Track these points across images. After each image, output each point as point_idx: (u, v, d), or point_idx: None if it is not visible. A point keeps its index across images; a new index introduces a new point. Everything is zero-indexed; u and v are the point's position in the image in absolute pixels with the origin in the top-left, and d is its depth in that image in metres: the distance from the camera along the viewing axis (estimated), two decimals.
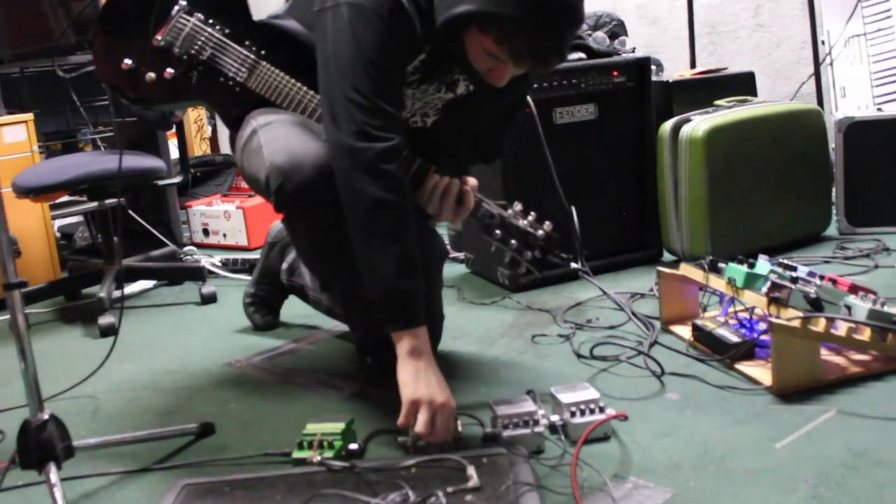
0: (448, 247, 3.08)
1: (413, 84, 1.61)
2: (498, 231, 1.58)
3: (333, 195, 1.50)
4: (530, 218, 1.59)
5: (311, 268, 1.89)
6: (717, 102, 2.73)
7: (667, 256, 2.71)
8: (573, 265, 1.66)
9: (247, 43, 1.72)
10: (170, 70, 1.71)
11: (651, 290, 2.33)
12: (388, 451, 1.49)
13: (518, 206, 1.60)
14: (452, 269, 2.84)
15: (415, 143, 1.59)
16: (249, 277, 2.41)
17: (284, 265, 2.24)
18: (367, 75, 1.44)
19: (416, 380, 1.42)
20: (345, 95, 1.45)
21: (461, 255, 2.92)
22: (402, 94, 1.54)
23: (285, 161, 1.56)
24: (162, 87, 1.71)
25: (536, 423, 1.45)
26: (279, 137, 1.62)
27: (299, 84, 1.67)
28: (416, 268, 1.46)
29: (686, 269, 1.96)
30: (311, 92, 1.65)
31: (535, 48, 1.40)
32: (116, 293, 2.54)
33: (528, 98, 2.41)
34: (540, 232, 1.58)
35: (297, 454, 1.44)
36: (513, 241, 1.58)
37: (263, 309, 2.33)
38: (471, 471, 1.28)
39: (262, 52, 1.71)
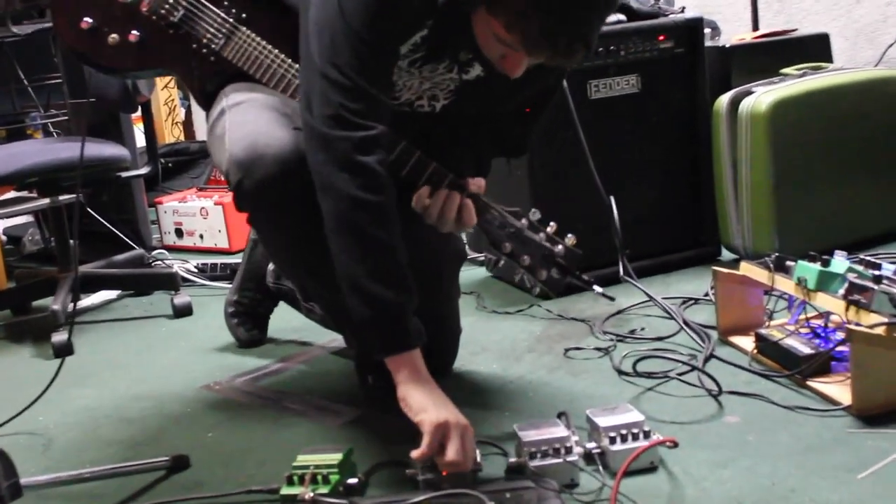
0: (465, 247, 3.10)
1: (416, 63, 1.62)
2: (508, 244, 1.58)
3: (303, 192, 1.51)
4: (549, 230, 1.59)
5: (287, 276, 1.91)
6: (785, 71, 2.72)
7: (725, 255, 2.70)
8: (597, 289, 1.65)
9: (226, 4, 1.73)
10: (135, 32, 1.72)
11: (706, 294, 2.33)
12: (393, 486, 1.50)
13: (535, 215, 1.60)
14: (471, 274, 2.84)
15: (421, 132, 1.60)
16: (230, 285, 2.44)
17: (271, 266, 2.26)
18: (350, 49, 1.43)
19: (432, 402, 1.44)
20: (321, 71, 1.45)
21: (481, 256, 2.93)
22: (390, 76, 1.54)
23: (245, 153, 1.57)
24: (125, 52, 1.73)
25: (569, 451, 1.45)
26: (245, 122, 1.63)
27: (282, 56, 1.68)
28: (406, 279, 1.47)
29: (748, 269, 1.96)
30: (295, 66, 1.66)
31: (551, 35, 1.33)
32: (72, 306, 2.56)
33: None
34: (559, 248, 1.58)
35: (286, 490, 1.44)
36: (525, 257, 1.58)
37: (249, 321, 2.36)
38: None
39: (243, 15, 1.73)
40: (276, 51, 1.68)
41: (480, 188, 1.60)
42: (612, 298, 1.67)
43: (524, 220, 1.59)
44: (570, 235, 1.59)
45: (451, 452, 1.39)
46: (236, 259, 2.99)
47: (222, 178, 3.88)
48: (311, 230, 1.53)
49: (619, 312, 2.31)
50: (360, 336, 1.52)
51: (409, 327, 1.47)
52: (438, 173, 1.57)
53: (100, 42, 1.74)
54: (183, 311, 2.71)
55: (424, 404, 1.43)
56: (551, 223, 1.59)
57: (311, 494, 1.39)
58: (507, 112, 1.77)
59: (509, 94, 1.71)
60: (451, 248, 1.86)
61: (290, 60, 1.66)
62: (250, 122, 1.63)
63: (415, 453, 1.40)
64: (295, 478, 1.45)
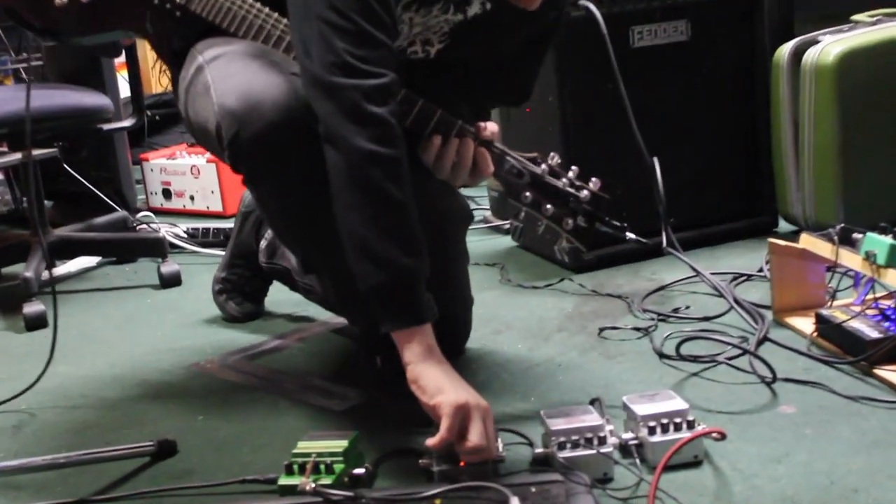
0: (487, 211, 3.09)
1: (411, 6, 1.61)
2: (528, 193, 1.58)
3: (307, 143, 1.51)
4: (571, 174, 1.59)
5: (288, 245, 1.91)
6: (856, 17, 2.69)
7: (783, 226, 2.69)
8: (630, 235, 1.64)
9: None
10: None
11: (760, 270, 2.32)
12: (404, 477, 1.50)
13: (555, 159, 1.60)
14: (495, 243, 2.84)
15: (415, 80, 1.59)
16: (223, 253, 2.45)
17: (263, 243, 2.27)
18: None
19: (450, 382, 1.44)
20: (320, 16, 1.45)
21: (505, 223, 2.92)
22: (395, 20, 1.54)
23: (240, 103, 1.57)
24: (76, 14, 1.71)
25: (603, 441, 1.45)
26: (231, 73, 1.63)
27: (258, 5, 1.67)
28: (420, 244, 1.48)
29: (809, 242, 1.95)
30: (275, 15, 1.66)
31: None
32: (47, 273, 2.57)
33: (597, 15, 2.40)
34: (584, 193, 1.58)
35: (284, 481, 1.45)
36: (547, 206, 1.58)
37: (238, 296, 2.37)
38: (515, 503, 1.29)
39: None
40: (251, 0, 1.67)
41: (494, 134, 1.61)
42: (645, 242, 1.66)
43: (544, 166, 1.59)
44: (594, 179, 1.59)
45: (475, 436, 1.39)
46: (231, 223, 2.99)
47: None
48: (318, 187, 1.53)
49: (661, 289, 2.30)
50: (366, 308, 1.52)
51: (423, 298, 1.48)
52: (446, 121, 1.57)
53: (43, 3, 1.70)
54: (171, 281, 2.73)
55: (441, 384, 1.43)
56: (573, 167, 1.59)
57: (313, 485, 1.39)
58: (506, 55, 1.77)
59: (509, 33, 1.71)
60: (455, 204, 1.87)
61: (266, 9, 1.65)
62: (237, 72, 1.63)
63: (431, 441, 1.41)
64: (295, 466, 1.46)
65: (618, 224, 1.61)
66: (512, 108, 1.91)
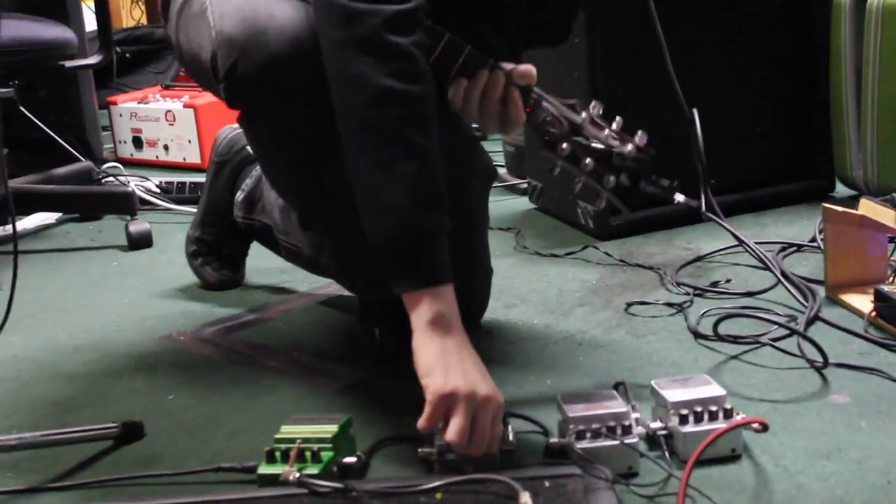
0: (503, 169, 3.09)
1: None
2: (565, 145, 1.57)
3: (316, 80, 1.49)
4: (615, 126, 1.59)
5: (284, 195, 1.90)
6: None
7: (840, 190, 2.70)
8: (679, 197, 1.64)
9: None
10: None
11: (812, 239, 2.32)
12: (402, 467, 1.51)
13: (597, 108, 1.59)
14: (509, 205, 2.84)
15: (441, 10, 1.58)
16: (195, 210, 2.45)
17: (239, 195, 2.26)
18: None
19: (444, 363, 1.43)
20: None
21: (523, 182, 2.92)
22: None
23: (240, 29, 1.56)
24: None
25: (627, 431, 1.45)
26: None
27: None
28: (441, 196, 1.47)
29: (869, 208, 1.94)
30: None
31: None
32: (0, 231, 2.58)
33: None
34: (628, 147, 1.57)
35: (264, 469, 1.45)
36: (587, 161, 1.58)
37: (215, 260, 2.37)
38: (525, 499, 1.29)
39: None
40: None
41: (530, 75, 1.59)
42: (695, 206, 1.66)
43: (584, 115, 1.59)
44: (640, 132, 1.59)
45: (451, 431, 1.38)
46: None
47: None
48: (324, 132, 1.52)
49: (698, 259, 2.31)
50: (370, 270, 1.52)
51: (439, 257, 1.46)
52: (475, 59, 1.56)
53: None
54: (140, 242, 2.73)
55: (432, 364, 1.42)
56: (617, 118, 1.59)
57: (297, 475, 1.39)
58: None
59: None
60: (481, 161, 1.87)
61: None
62: None
63: (419, 423, 1.41)
64: (277, 453, 1.46)
65: (665, 183, 1.61)
66: (549, 46, 1.89)
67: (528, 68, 1.60)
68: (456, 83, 1.57)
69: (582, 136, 1.58)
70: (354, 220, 1.50)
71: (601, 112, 1.59)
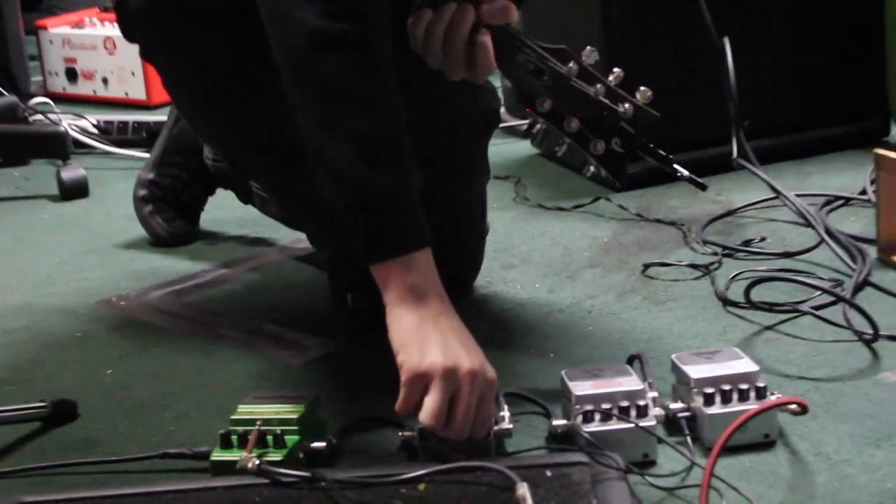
0: (501, 108, 3.07)
1: None
2: (547, 100, 1.56)
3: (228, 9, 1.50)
4: (611, 79, 1.57)
5: (211, 144, 1.89)
6: None
7: (895, 133, 2.68)
8: (682, 171, 1.63)
9: None
10: None
11: (863, 191, 2.31)
12: (379, 454, 1.51)
13: (591, 56, 1.56)
14: (508, 149, 2.83)
15: None
16: (147, 155, 2.43)
17: None
18: None
19: (420, 336, 1.42)
20: None
21: (523, 123, 2.90)
22: None
23: None
24: None
25: (643, 412, 1.45)
26: None
27: None
28: (400, 149, 1.46)
29: None
30: None
31: None
32: None
33: None
34: (625, 106, 1.56)
35: (218, 455, 1.45)
36: (573, 121, 1.57)
37: (169, 209, 2.36)
38: (523, 491, 1.28)
39: None
40: None
41: (506, 13, 1.56)
42: (703, 186, 1.65)
43: (573, 65, 1.56)
44: (642, 88, 1.57)
45: (426, 411, 1.39)
46: (158, 116, 2.98)
47: None
48: (248, 63, 1.53)
49: (728, 214, 2.30)
50: (334, 234, 1.51)
51: (407, 220, 1.46)
52: None
53: None
54: (74, 191, 2.72)
55: (406, 339, 1.42)
56: (615, 69, 1.56)
57: (257, 462, 1.39)
58: None
59: None
60: (477, 104, 1.85)
61: None
62: None
63: (397, 406, 1.41)
64: (233, 437, 1.46)
65: (663, 154, 1.59)
66: None
67: (505, 4, 1.56)
68: (418, 15, 1.54)
69: (568, 90, 1.56)
70: (302, 173, 1.50)
71: (596, 59, 1.55)
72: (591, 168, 1.60)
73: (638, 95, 1.56)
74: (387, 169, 1.44)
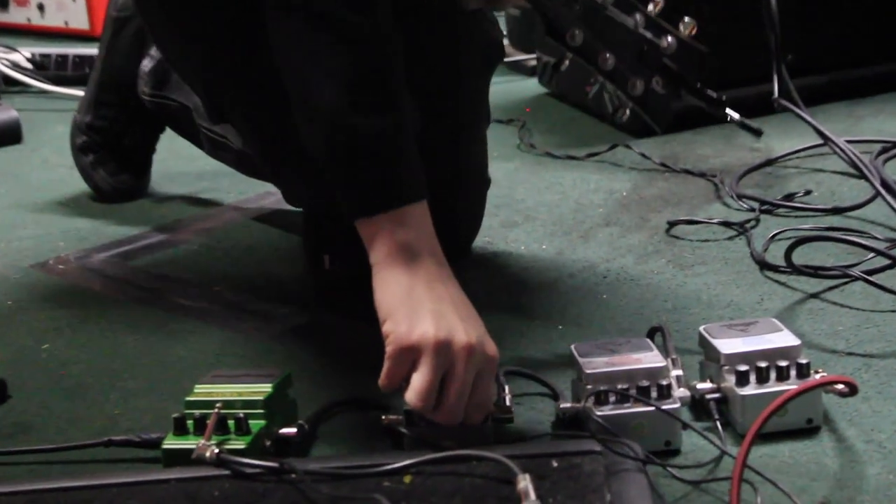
0: (504, 42, 3.07)
1: None
2: (578, 32, 1.56)
3: None
4: (651, 8, 1.57)
5: (185, 76, 1.89)
6: None
7: None
8: (732, 115, 1.62)
9: None
10: None
11: None
12: (358, 441, 1.52)
13: None
14: (513, 88, 2.83)
15: None
16: (83, 94, 2.44)
17: (146, 64, 2.26)
18: None
19: (410, 303, 1.42)
20: None
21: (531, 57, 2.90)
22: None
23: None
24: None
25: (666, 393, 1.45)
26: None
27: None
28: (393, 88, 1.47)
29: None
30: None
31: None
32: None
33: None
34: (668, 40, 1.55)
35: (171, 443, 1.45)
36: (607, 56, 1.57)
37: (110, 159, 2.37)
38: (525, 484, 1.28)
39: None
40: None
41: None
42: (758, 132, 1.65)
43: None
44: (687, 19, 1.57)
45: (410, 388, 1.39)
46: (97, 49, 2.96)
47: None
48: None
49: (767, 163, 2.31)
50: (315, 183, 1.50)
51: (401, 169, 1.46)
52: None
53: None
54: (5, 136, 2.73)
55: (394, 305, 1.42)
56: None
57: (216, 451, 1.39)
58: None
59: None
60: (478, 35, 1.86)
61: None
62: None
63: (379, 381, 1.41)
64: (189, 422, 1.46)
65: (712, 95, 1.59)
66: None
67: None
68: None
69: (603, 21, 1.55)
70: (282, 110, 1.50)
71: None
72: (628, 112, 1.60)
73: (682, 27, 1.56)
74: (379, 111, 1.45)
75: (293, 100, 1.50)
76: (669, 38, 1.55)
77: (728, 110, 1.61)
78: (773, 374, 1.47)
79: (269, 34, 1.50)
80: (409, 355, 1.39)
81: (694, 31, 1.57)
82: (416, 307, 1.42)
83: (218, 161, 2.16)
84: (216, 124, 1.99)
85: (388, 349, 1.40)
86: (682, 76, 1.56)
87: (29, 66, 3.08)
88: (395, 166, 1.46)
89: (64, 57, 3.06)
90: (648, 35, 1.56)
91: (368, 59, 1.45)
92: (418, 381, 1.39)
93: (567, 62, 1.61)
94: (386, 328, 1.41)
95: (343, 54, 1.44)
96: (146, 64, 2.24)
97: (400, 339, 1.40)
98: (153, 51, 2.23)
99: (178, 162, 2.35)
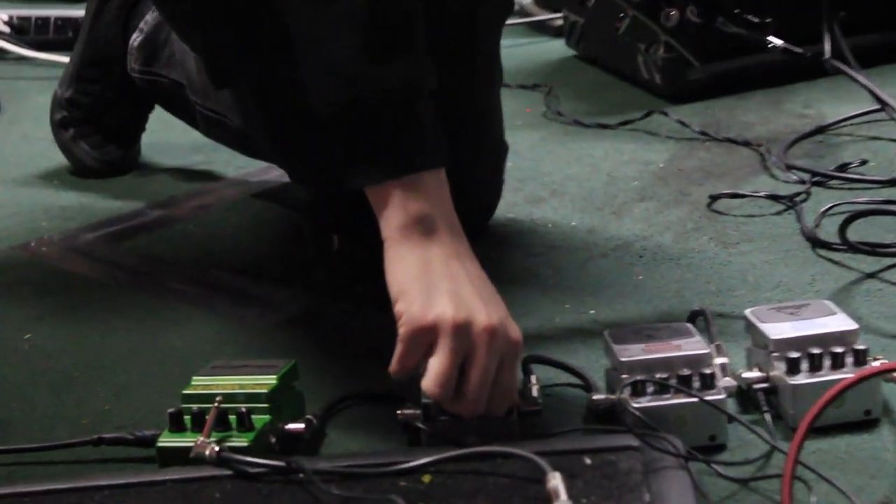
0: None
1: None
2: None
3: None
4: None
5: (187, 39, 1.89)
6: None
7: None
8: (774, 41, 1.62)
9: None
10: None
11: None
12: (372, 437, 1.52)
13: None
14: (536, 50, 2.83)
15: None
16: (66, 60, 2.44)
17: (136, 38, 2.26)
18: None
19: (426, 280, 1.42)
20: None
21: (556, 16, 2.90)
22: None
23: None
24: None
25: (709, 382, 1.45)
26: None
27: None
28: (412, 38, 1.46)
29: None
30: None
31: None
32: None
33: None
34: None
35: (167, 440, 1.45)
36: None
37: (96, 133, 2.38)
38: (555, 483, 1.28)
39: None
40: None
41: None
42: (799, 52, 1.64)
43: None
44: None
45: (428, 375, 1.38)
46: (82, 11, 2.96)
47: None
48: None
49: (818, 131, 2.31)
50: (321, 151, 1.50)
51: (417, 131, 1.46)
52: None
53: None
54: None
55: (407, 283, 1.42)
56: None
57: (216, 448, 1.39)
58: None
59: None
60: None
61: None
62: None
63: (390, 367, 1.41)
64: (186, 417, 1.46)
65: (755, 20, 1.59)
66: None
67: None
68: None
69: None
70: (290, 66, 1.50)
71: None
72: (662, 45, 1.59)
73: None
74: (393, 63, 1.45)
75: (299, 50, 1.49)
76: None
77: (772, 37, 1.61)
78: (827, 362, 1.46)
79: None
80: (425, 338, 1.39)
81: None
82: (432, 285, 1.41)
83: (214, 141, 2.16)
84: (219, 89, 1.99)
85: (401, 331, 1.40)
86: (719, 2, 1.56)
87: (6, 29, 3.08)
88: (410, 126, 1.46)
89: (45, 20, 3.06)
90: None
91: (382, 3, 1.45)
92: (436, 366, 1.38)
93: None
94: (398, 308, 1.41)
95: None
96: (135, 38, 2.25)
97: (414, 319, 1.39)
98: (142, 23, 2.23)
99: (170, 133, 2.35)
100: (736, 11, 1.57)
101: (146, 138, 2.39)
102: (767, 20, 1.58)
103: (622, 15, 1.55)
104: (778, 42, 1.60)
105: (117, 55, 2.28)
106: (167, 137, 2.37)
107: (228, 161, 2.32)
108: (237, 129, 2.00)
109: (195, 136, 2.24)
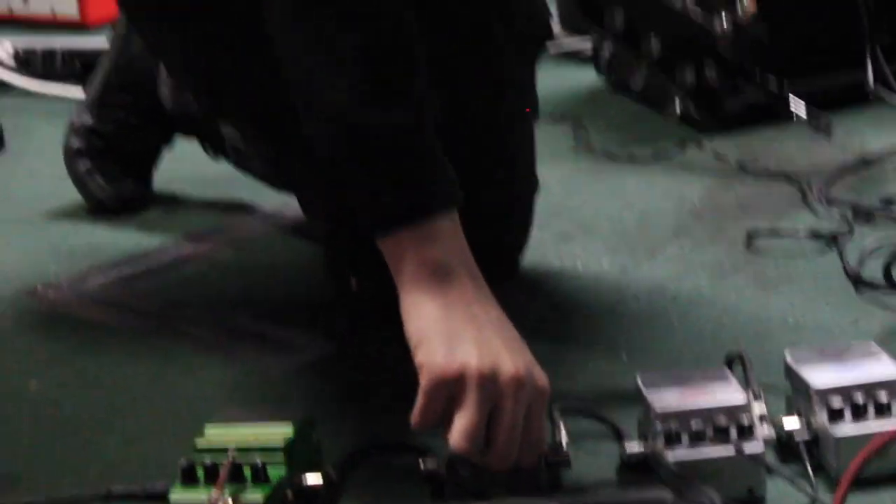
0: (552, 22, 3.07)
1: None
2: (620, 13, 1.57)
3: None
4: None
5: (185, 83, 1.91)
6: None
7: None
8: (798, 109, 1.62)
9: None
10: None
11: None
12: (392, 491, 1.51)
13: None
14: (566, 79, 2.83)
15: None
16: (83, 92, 2.45)
17: None
18: None
19: (446, 328, 1.42)
20: None
21: (586, 46, 2.90)
22: None
23: None
24: None
25: (748, 432, 1.45)
26: None
27: None
28: (412, 80, 1.46)
29: None
30: None
31: None
32: None
33: None
34: (720, 24, 1.57)
35: (179, 495, 1.46)
36: (654, 42, 1.56)
37: (112, 164, 2.37)
38: None
39: None
40: None
41: None
42: (828, 128, 1.64)
43: None
44: (745, 1, 1.57)
45: (455, 429, 1.38)
46: (96, 41, 2.99)
47: None
48: None
49: (862, 164, 2.29)
50: (331, 195, 1.51)
51: (422, 174, 1.46)
52: None
53: None
54: None
55: (427, 331, 1.42)
56: None
57: (230, 503, 1.40)
58: None
59: None
60: (518, 5, 1.86)
61: None
62: None
63: (412, 418, 1.40)
64: (199, 470, 1.46)
65: (774, 86, 1.59)
66: None
67: None
68: None
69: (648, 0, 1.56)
70: (290, 110, 1.51)
71: None
72: (678, 106, 1.59)
73: (738, 8, 1.56)
74: (396, 103, 1.45)
75: (295, 94, 1.50)
76: (722, 21, 1.56)
77: (792, 102, 1.61)
78: (871, 410, 1.46)
79: (264, 14, 1.50)
80: (448, 389, 1.38)
81: (753, 11, 1.56)
82: (454, 333, 1.41)
83: (243, 172, 2.17)
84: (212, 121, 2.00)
85: (423, 382, 1.39)
86: (739, 64, 1.56)
87: (11, 62, 3.09)
88: (417, 171, 1.46)
89: (51, 52, 3.07)
90: (698, 17, 1.56)
91: (380, 37, 1.46)
92: (464, 420, 1.38)
93: (607, 50, 1.60)
94: (419, 358, 1.41)
95: (350, 32, 1.44)
96: None
97: (436, 370, 1.39)
98: None
99: (185, 167, 2.35)
100: (756, 73, 1.57)
101: (160, 171, 2.39)
102: (786, 89, 1.58)
103: (634, 68, 1.55)
104: (803, 110, 1.60)
105: (149, 81, 2.29)
106: (182, 173, 2.37)
107: (245, 200, 2.32)
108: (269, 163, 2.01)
109: (212, 168, 2.25)
